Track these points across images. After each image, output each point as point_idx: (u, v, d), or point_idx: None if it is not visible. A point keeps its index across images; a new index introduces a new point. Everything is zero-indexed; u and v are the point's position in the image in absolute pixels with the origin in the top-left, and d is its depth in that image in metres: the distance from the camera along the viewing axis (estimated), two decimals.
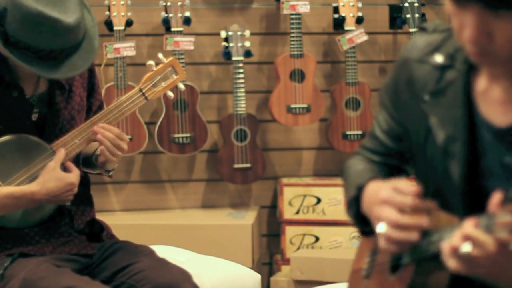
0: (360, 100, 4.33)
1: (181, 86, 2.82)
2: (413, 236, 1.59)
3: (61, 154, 2.53)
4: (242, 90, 4.25)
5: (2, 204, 2.48)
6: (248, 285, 2.94)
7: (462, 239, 1.47)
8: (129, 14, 4.16)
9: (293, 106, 4.29)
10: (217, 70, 4.46)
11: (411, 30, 4.26)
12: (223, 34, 4.26)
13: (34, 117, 2.57)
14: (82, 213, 2.67)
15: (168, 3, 4.18)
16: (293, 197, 4.28)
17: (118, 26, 4.14)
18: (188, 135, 4.22)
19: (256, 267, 4.12)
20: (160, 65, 2.74)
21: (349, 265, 1.99)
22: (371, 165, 1.86)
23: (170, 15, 4.18)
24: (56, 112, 2.59)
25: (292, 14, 4.26)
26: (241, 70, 4.25)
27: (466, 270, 1.50)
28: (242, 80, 4.25)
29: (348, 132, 4.33)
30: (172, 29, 4.18)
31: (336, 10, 4.33)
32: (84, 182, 2.67)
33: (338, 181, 4.24)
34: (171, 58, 2.79)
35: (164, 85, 2.74)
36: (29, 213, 2.55)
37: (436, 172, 1.69)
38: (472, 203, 1.64)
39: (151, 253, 2.62)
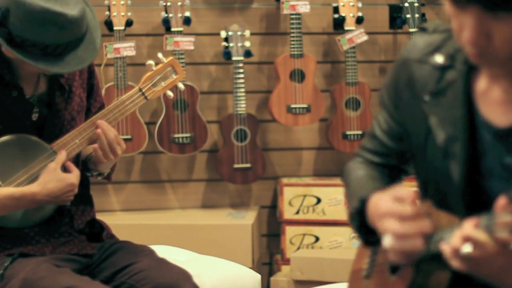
0: (360, 100, 4.33)
1: (181, 85, 2.82)
2: (418, 243, 1.59)
3: (62, 156, 2.53)
4: (242, 90, 4.25)
5: (2, 205, 2.48)
6: (248, 285, 2.93)
7: (462, 239, 1.47)
8: (129, 14, 4.16)
9: (293, 106, 4.29)
10: (217, 70, 4.46)
11: (411, 30, 4.26)
12: (223, 34, 4.26)
13: (34, 117, 2.57)
14: (82, 213, 2.67)
15: (168, 3, 4.18)
16: (293, 197, 4.28)
17: (118, 26, 4.14)
18: (188, 135, 4.22)
19: (256, 267, 4.12)
20: (160, 65, 2.75)
21: (349, 265, 1.98)
22: (372, 170, 1.85)
23: (170, 15, 4.18)
24: (56, 112, 2.59)
25: (292, 14, 4.26)
26: (241, 70, 4.24)
27: (468, 270, 1.50)
28: (242, 80, 4.25)
29: (348, 132, 4.33)
30: (172, 29, 4.18)
31: (336, 10, 4.33)
32: (84, 183, 2.67)
33: (338, 181, 4.24)
34: (170, 58, 2.79)
35: (163, 84, 2.74)
36: (29, 213, 2.55)
37: (436, 172, 1.69)
38: (472, 203, 1.64)
39: (151, 253, 2.62)
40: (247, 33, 4.26)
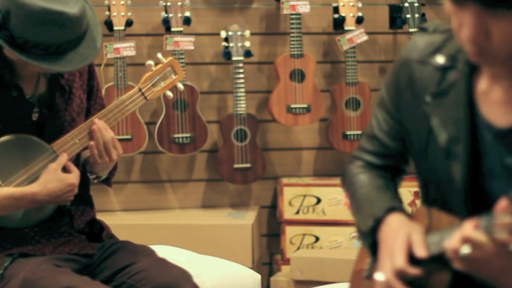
0: (360, 100, 4.33)
1: (180, 86, 2.82)
2: None
3: (63, 158, 2.53)
4: (242, 90, 4.25)
5: (2, 205, 2.48)
6: (248, 285, 2.93)
7: (461, 240, 1.47)
8: (129, 14, 4.16)
9: (293, 106, 4.29)
10: (217, 70, 4.46)
11: (411, 30, 4.26)
12: (223, 34, 4.26)
13: (34, 117, 2.57)
14: (82, 213, 2.67)
15: (168, 3, 4.18)
16: (293, 197, 4.28)
17: (118, 26, 4.14)
18: (188, 135, 4.22)
19: (256, 267, 4.12)
20: (159, 65, 2.75)
21: (349, 265, 1.98)
22: (376, 178, 1.84)
23: (170, 15, 4.18)
24: (56, 113, 2.59)
25: (292, 14, 4.26)
26: (241, 70, 4.24)
27: (468, 270, 1.50)
28: (242, 80, 4.25)
29: (348, 132, 4.33)
30: (172, 29, 4.18)
31: (336, 10, 4.33)
32: (84, 183, 2.67)
33: (338, 181, 4.22)
34: (170, 58, 2.79)
35: (163, 85, 2.74)
36: (29, 213, 2.55)
37: (437, 173, 1.69)
38: (473, 204, 1.64)
39: (151, 253, 2.62)
40: (247, 33, 4.25)
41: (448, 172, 1.65)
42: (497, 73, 1.60)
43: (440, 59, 1.69)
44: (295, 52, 4.27)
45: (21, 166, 2.52)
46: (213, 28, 4.38)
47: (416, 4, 4.27)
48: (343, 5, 4.30)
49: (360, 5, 4.32)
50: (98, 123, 2.57)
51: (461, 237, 1.47)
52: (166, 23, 4.19)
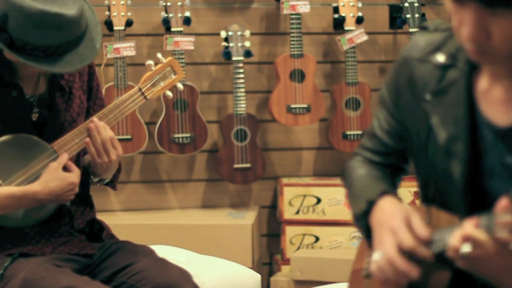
0: (360, 100, 4.33)
1: (180, 86, 2.83)
2: (401, 281, 1.60)
3: (64, 157, 2.53)
4: (242, 90, 4.25)
5: (3, 204, 2.48)
6: (248, 285, 2.93)
7: (462, 239, 1.47)
8: (129, 14, 4.16)
9: (293, 106, 4.29)
10: (217, 70, 4.46)
11: (411, 30, 4.26)
12: (223, 34, 4.26)
13: (34, 117, 2.57)
14: (82, 213, 2.67)
15: (168, 3, 4.18)
16: (293, 197, 4.28)
17: (118, 26, 4.14)
18: (188, 135, 4.22)
19: (256, 267, 4.12)
20: (159, 65, 2.75)
21: (349, 265, 1.98)
22: (373, 169, 1.85)
23: (170, 15, 4.18)
24: (56, 113, 2.59)
25: (292, 14, 4.26)
26: (241, 70, 4.24)
27: (468, 269, 1.50)
28: (242, 80, 4.25)
29: (348, 132, 4.33)
30: (172, 29, 4.18)
31: (336, 10, 4.33)
32: (84, 183, 2.67)
33: (338, 181, 4.23)
34: (169, 58, 2.79)
35: (163, 84, 2.74)
36: (29, 213, 2.55)
37: (437, 171, 1.69)
38: (473, 203, 1.64)
39: (151, 253, 2.62)
40: (247, 33, 4.26)
41: (448, 170, 1.65)
42: (497, 71, 1.60)
43: (440, 58, 1.69)
44: (295, 52, 4.27)
45: (22, 166, 2.52)
46: (213, 28, 4.38)
47: (416, 4, 4.27)
48: (343, 5, 4.30)
49: (360, 5, 4.32)
50: (96, 121, 2.57)
51: (462, 235, 1.47)
52: (166, 23, 4.19)
